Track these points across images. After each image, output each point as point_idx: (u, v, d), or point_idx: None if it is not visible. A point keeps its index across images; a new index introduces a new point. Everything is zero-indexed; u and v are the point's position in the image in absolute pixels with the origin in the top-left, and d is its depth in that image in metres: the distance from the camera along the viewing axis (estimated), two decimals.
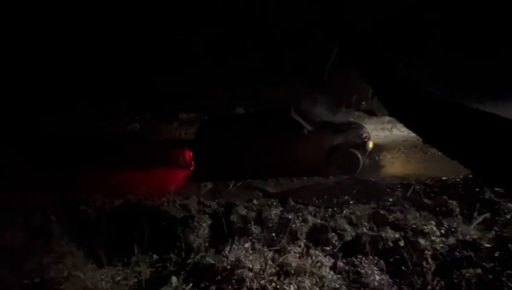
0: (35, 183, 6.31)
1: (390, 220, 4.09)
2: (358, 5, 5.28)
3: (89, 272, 3.48)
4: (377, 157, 6.88)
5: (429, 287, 2.96)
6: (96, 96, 10.63)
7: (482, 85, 8.97)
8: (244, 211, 4.66)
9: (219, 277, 3.26)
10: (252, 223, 4.21)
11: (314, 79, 10.20)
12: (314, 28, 9.26)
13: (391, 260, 3.40)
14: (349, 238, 3.86)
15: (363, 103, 10.24)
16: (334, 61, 9.93)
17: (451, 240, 3.53)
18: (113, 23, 10.53)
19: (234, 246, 3.62)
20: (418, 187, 5.06)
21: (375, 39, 4.12)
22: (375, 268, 3.33)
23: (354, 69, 4.30)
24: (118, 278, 3.51)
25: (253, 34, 10.71)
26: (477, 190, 4.56)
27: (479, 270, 2.96)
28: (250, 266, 3.25)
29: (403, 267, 3.23)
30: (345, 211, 4.49)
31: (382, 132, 8.65)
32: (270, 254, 3.49)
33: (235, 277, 3.16)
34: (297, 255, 3.53)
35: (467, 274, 2.94)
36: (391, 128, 8.63)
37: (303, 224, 4.12)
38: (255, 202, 5.26)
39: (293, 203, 5.04)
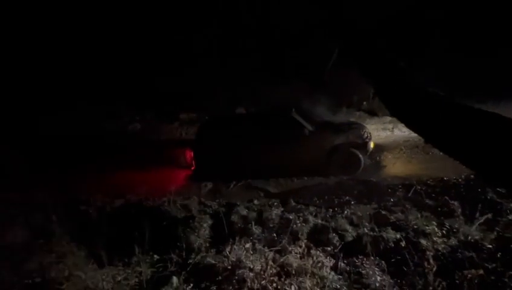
0: (36, 184, 6.31)
1: (391, 221, 4.09)
2: (358, 5, 5.28)
3: (90, 272, 3.48)
4: (378, 158, 6.87)
5: (431, 288, 2.95)
6: (97, 97, 10.62)
7: (482, 85, 8.96)
8: (245, 211, 4.66)
9: (220, 277, 3.26)
10: (253, 223, 4.21)
11: (314, 79, 10.20)
12: (314, 28, 9.26)
13: (392, 260, 3.40)
14: (350, 238, 3.86)
15: (364, 103, 10.24)
16: (335, 61, 9.92)
17: (453, 241, 3.53)
18: (114, 23, 10.53)
19: (235, 246, 3.62)
20: (419, 187, 5.06)
21: (376, 39, 4.10)
22: (376, 269, 3.33)
23: (355, 69, 4.28)
24: (119, 278, 3.51)
25: (253, 34, 10.71)
26: (479, 190, 4.55)
27: (481, 271, 2.95)
28: (251, 267, 3.24)
29: (404, 268, 3.23)
30: (346, 212, 4.48)
31: (383, 132, 8.64)
32: (271, 254, 3.48)
33: (236, 277, 3.16)
34: (298, 255, 3.53)
35: (469, 275, 2.93)
36: (392, 128, 8.62)
37: (304, 224, 4.12)
38: (255, 202, 5.25)
39: (294, 204, 5.04)
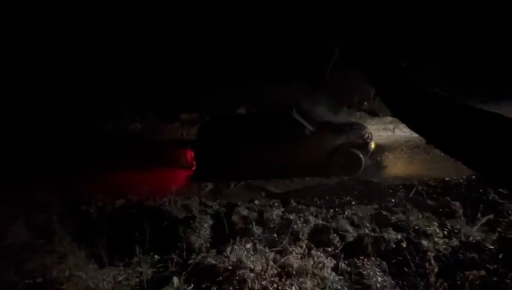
0: (36, 184, 6.31)
1: (392, 221, 4.08)
2: (358, 5, 5.28)
3: (91, 272, 3.47)
4: (379, 158, 6.86)
5: (432, 289, 2.94)
6: (97, 97, 10.62)
7: (482, 85, 8.96)
8: (245, 212, 4.65)
9: (220, 278, 3.25)
10: (254, 223, 4.19)
11: (315, 79, 10.20)
12: (314, 28, 9.26)
13: (393, 261, 3.39)
14: (351, 239, 3.84)
15: (365, 103, 10.24)
16: (336, 61, 9.92)
17: (455, 242, 3.51)
18: (114, 23, 10.53)
19: (235, 246, 3.61)
20: (420, 188, 5.04)
21: (376, 39, 4.10)
22: (377, 269, 3.32)
23: (356, 69, 4.28)
24: (120, 279, 3.50)
25: (253, 34, 10.70)
26: (480, 190, 4.54)
27: (482, 272, 2.94)
28: (252, 267, 3.23)
29: (406, 269, 3.21)
30: (346, 212, 4.47)
31: (384, 132, 8.63)
32: (272, 255, 3.47)
33: (237, 278, 3.15)
34: (299, 256, 3.51)
35: (471, 276, 2.92)
36: (393, 128, 8.61)
37: (305, 225, 4.10)
38: (256, 202, 5.25)
39: (294, 204, 5.04)
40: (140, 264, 3.58)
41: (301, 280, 3.14)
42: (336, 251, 3.64)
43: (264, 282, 3.10)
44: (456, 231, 3.71)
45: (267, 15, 10.46)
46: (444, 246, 3.44)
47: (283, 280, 3.17)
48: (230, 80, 10.50)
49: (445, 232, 3.70)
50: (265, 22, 10.52)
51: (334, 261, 3.46)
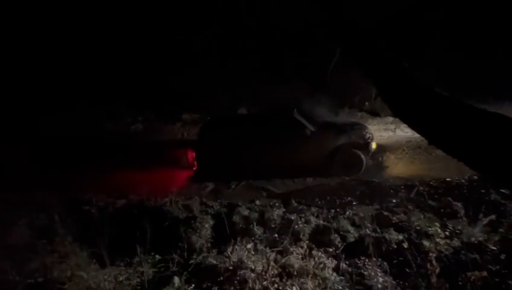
0: (36, 184, 6.30)
1: (393, 222, 4.08)
2: (358, 5, 5.27)
3: (92, 272, 3.47)
4: (380, 158, 6.86)
5: None
6: (97, 97, 10.62)
7: (483, 85, 8.95)
8: (246, 212, 4.65)
9: (221, 278, 3.25)
10: (255, 223, 4.20)
11: (316, 79, 10.19)
12: (314, 28, 9.25)
13: (395, 261, 3.39)
14: (352, 239, 3.84)
15: (366, 103, 10.24)
16: (337, 61, 9.91)
17: (456, 242, 3.51)
18: (114, 23, 10.53)
19: (236, 246, 3.61)
20: (422, 188, 5.03)
21: (376, 39, 4.09)
22: (378, 270, 3.32)
23: (357, 69, 4.28)
24: (121, 278, 3.50)
25: (253, 34, 10.70)
26: (482, 191, 4.54)
27: (484, 273, 2.94)
28: (253, 267, 3.23)
29: (407, 269, 3.21)
30: (348, 212, 4.47)
31: (385, 132, 8.63)
32: (273, 255, 3.47)
33: (237, 278, 3.15)
34: (300, 256, 3.51)
35: (472, 277, 2.92)
36: (394, 128, 8.61)
37: (306, 225, 4.11)
38: (257, 202, 5.24)
39: (295, 204, 5.03)
40: (142, 264, 3.58)
41: (302, 280, 3.14)
42: (337, 252, 3.64)
43: (265, 282, 3.10)
44: (457, 231, 3.71)
45: (267, 15, 10.45)
46: (446, 247, 3.44)
47: (284, 280, 3.17)
48: (230, 80, 10.49)
49: (447, 233, 3.71)
50: (265, 22, 10.52)
51: (335, 262, 3.47)
